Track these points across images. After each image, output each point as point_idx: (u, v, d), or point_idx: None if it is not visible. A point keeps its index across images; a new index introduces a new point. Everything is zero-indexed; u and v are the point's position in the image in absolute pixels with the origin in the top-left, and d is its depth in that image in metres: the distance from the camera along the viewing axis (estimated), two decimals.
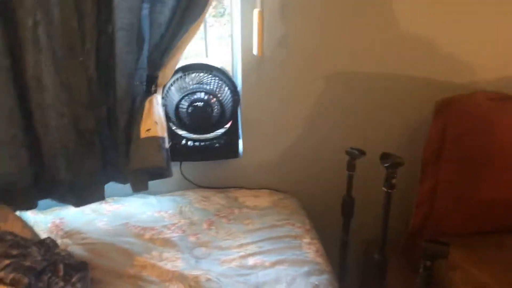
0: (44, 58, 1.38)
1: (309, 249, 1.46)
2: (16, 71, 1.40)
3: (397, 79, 1.74)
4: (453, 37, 1.70)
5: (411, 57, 1.72)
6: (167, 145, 1.55)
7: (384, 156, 1.35)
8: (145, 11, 1.42)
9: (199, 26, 1.46)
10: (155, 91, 1.50)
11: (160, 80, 1.50)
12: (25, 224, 1.39)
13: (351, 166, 1.62)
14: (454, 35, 1.69)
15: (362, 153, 1.57)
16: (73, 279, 1.21)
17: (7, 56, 1.36)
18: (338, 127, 1.80)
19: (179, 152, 1.74)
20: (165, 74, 1.51)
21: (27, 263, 1.14)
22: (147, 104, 1.48)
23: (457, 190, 1.62)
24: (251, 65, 1.68)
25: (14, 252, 1.18)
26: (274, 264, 1.39)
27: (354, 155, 1.58)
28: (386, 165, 1.34)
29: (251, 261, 1.41)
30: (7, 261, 1.12)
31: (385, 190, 1.38)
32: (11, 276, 1.08)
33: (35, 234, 1.40)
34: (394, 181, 1.34)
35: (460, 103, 1.63)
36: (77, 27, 1.36)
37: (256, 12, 1.55)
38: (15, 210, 1.44)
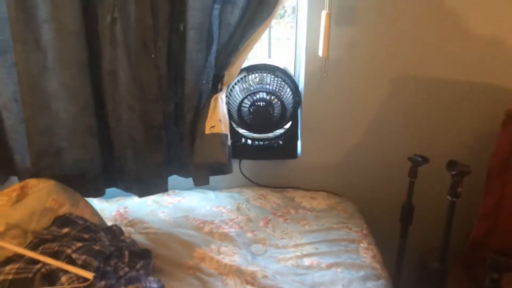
0: (119, 54, 1.45)
1: (366, 254, 1.45)
2: (93, 65, 1.48)
3: (466, 85, 1.69)
4: None
5: (482, 63, 1.66)
6: (229, 142, 1.59)
7: (451, 164, 1.32)
8: (216, 11, 1.46)
9: (267, 27, 1.48)
10: (221, 90, 1.54)
11: (225, 79, 1.54)
12: (93, 211, 1.46)
13: (413, 173, 1.59)
14: None
15: (425, 160, 1.54)
16: (137, 266, 1.27)
17: (86, 50, 1.44)
18: (401, 133, 1.77)
19: (239, 150, 1.78)
20: (231, 74, 1.54)
21: (97, 247, 1.20)
22: (212, 102, 1.52)
23: None
24: (315, 66, 1.68)
25: (86, 236, 1.25)
26: (330, 266, 1.39)
27: (417, 162, 1.55)
28: (452, 173, 1.30)
29: (307, 261, 1.42)
30: (79, 244, 1.19)
31: (450, 198, 1.35)
32: (83, 257, 1.15)
33: (102, 221, 1.47)
34: (459, 190, 1.30)
35: None
36: (151, 25, 1.42)
37: (324, 13, 1.56)
38: (84, 197, 1.52)
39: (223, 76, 1.53)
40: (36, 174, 1.51)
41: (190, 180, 1.68)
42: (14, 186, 1.38)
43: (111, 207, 1.70)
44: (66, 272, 1.11)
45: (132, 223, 1.59)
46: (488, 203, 1.60)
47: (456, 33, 1.63)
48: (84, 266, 1.14)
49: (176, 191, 1.79)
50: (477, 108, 1.72)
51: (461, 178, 1.30)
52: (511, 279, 1.37)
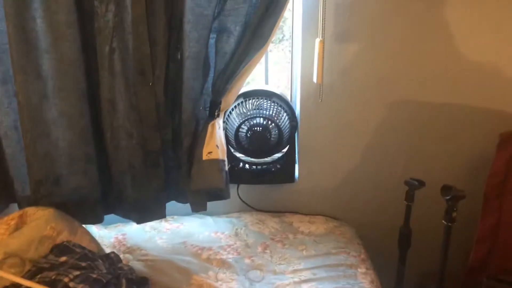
0: (117, 82, 1.48)
1: (364, 279, 1.44)
2: (92, 94, 1.51)
3: (461, 109, 1.71)
4: None
5: (476, 88, 1.69)
6: (226, 167, 1.60)
7: (445, 189, 1.33)
8: (212, 40, 1.50)
9: (262, 55, 1.51)
10: (218, 116, 1.56)
11: (222, 106, 1.57)
12: (92, 238, 1.47)
13: (409, 197, 1.60)
14: None
15: (421, 184, 1.55)
16: None
17: (85, 79, 1.48)
18: (397, 157, 1.78)
19: (236, 174, 1.79)
20: (228, 100, 1.57)
21: (94, 276, 1.20)
22: (209, 128, 1.54)
23: None
24: (310, 92, 1.71)
25: (83, 264, 1.25)
26: None
27: (414, 186, 1.56)
28: (447, 198, 1.31)
29: (305, 287, 1.41)
30: (76, 272, 1.19)
31: (445, 223, 1.35)
32: (80, 286, 1.15)
33: (100, 248, 1.48)
34: (454, 214, 1.31)
35: None
36: (148, 54, 1.45)
37: (317, 41, 1.59)
38: (83, 224, 1.53)
39: (220, 102, 1.56)
40: (36, 202, 1.52)
41: (188, 206, 1.69)
42: (13, 214, 1.39)
43: (110, 234, 1.70)
44: None
45: (130, 250, 1.60)
46: (485, 226, 1.60)
47: (450, 58, 1.66)
48: None
49: (175, 216, 1.80)
50: (472, 132, 1.74)
51: (455, 203, 1.31)
52: None
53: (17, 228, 1.34)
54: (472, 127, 1.73)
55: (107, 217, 1.69)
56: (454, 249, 1.52)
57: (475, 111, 1.71)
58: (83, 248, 1.34)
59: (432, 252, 1.68)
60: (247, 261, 1.55)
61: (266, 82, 1.97)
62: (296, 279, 1.45)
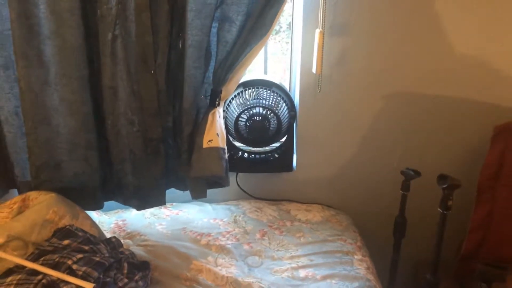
0: (119, 70, 1.49)
1: (360, 266, 1.48)
2: (93, 81, 1.52)
3: (456, 102, 1.74)
4: None
5: (472, 81, 1.71)
6: (226, 156, 1.62)
7: (442, 178, 1.36)
8: (214, 29, 1.51)
9: (263, 45, 1.53)
10: (218, 104, 1.58)
11: (223, 94, 1.58)
12: (93, 223, 1.49)
13: (405, 186, 1.63)
14: None
15: (417, 174, 1.58)
16: (136, 277, 1.29)
17: (87, 66, 1.49)
18: (393, 147, 1.81)
19: (235, 163, 1.81)
20: (228, 89, 1.59)
21: (97, 259, 1.23)
22: (210, 116, 1.56)
23: None
24: (309, 82, 1.73)
25: (86, 247, 1.28)
26: (325, 277, 1.41)
27: (410, 176, 1.59)
28: (443, 186, 1.34)
29: (302, 273, 1.44)
30: (79, 255, 1.22)
31: (441, 211, 1.39)
32: (83, 269, 1.17)
33: (101, 233, 1.50)
34: (450, 203, 1.35)
35: None
36: (151, 42, 1.46)
37: (317, 32, 1.61)
38: (83, 210, 1.55)
39: (220, 91, 1.57)
40: (36, 187, 1.54)
41: (187, 193, 1.71)
42: (15, 198, 1.41)
43: (109, 220, 1.72)
44: (67, 283, 1.13)
45: (130, 236, 1.62)
46: (478, 216, 1.64)
47: (447, 52, 1.68)
48: (84, 277, 1.16)
49: (174, 203, 1.82)
50: (467, 124, 1.77)
51: (451, 192, 1.34)
52: None
53: (20, 211, 1.36)
54: (467, 119, 1.76)
55: (107, 203, 1.71)
56: (448, 238, 1.55)
57: (470, 103, 1.74)
58: (85, 232, 1.37)
59: (426, 241, 1.71)
60: (245, 247, 1.57)
61: (265, 72, 1.99)
62: (293, 265, 1.48)
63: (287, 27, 1.98)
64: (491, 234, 1.62)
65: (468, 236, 1.66)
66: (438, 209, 1.39)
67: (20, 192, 1.63)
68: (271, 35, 2.00)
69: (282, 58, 2.06)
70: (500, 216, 1.61)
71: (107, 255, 1.30)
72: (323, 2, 1.57)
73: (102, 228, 1.59)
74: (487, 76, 1.70)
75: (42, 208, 1.34)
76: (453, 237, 1.70)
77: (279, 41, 2.09)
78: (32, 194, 1.41)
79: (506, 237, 1.61)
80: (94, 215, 1.70)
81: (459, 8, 1.63)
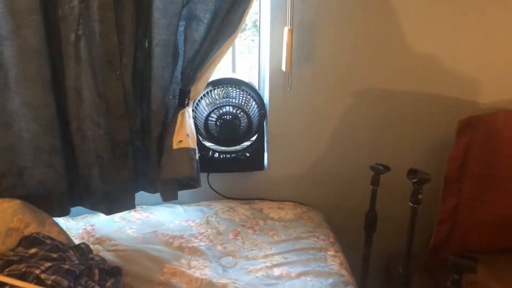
0: (84, 71, 1.44)
1: (333, 262, 1.49)
2: (57, 83, 1.47)
3: (423, 97, 1.78)
4: (477, 59, 1.74)
5: (436, 76, 1.76)
6: (197, 156, 1.60)
7: (412, 172, 1.38)
8: (181, 28, 1.48)
9: (232, 43, 1.51)
10: (188, 104, 1.56)
11: (192, 94, 1.56)
12: (61, 229, 1.44)
13: (375, 182, 1.65)
14: (478, 57, 1.74)
15: (387, 168, 1.60)
16: (108, 284, 1.25)
17: (49, 68, 1.43)
18: (363, 143, 1.84)
19: (206, 163, 1.79)
20: (197, 89, 1.57)
21: (66, 266, 1.19)
22: (179, 116, 1.54)
23: (480, 207, 1.64)
24: (279, 80, 1.73)
25: (54, 255, 1.23)
26: (299, 275, 1.42)
27: (379, 171, 1.62)
28: (413, 180, 1.37)
29: (277, 271, 1.44)
30: (48, 264, 1.17)
31: (411, 205, 1.41)
32: (52, 277, 1.13)
33: (69, 239, 1.45)
34: (420, 196, 1.37)
35: (483, 122, 1.66)
36: (116, 42, 1.42)
37: (286, 29, 1.61)
38: (50, 216, 1.49)
39: (189, 91, 1.55)
40: None
41: (157, 195, 1.68)
42: None
43: (77, 225, 1.67)
44: None
45: (99, 241, 1.58)
46: (445, 208, 1.68)
47: (412, 49, 1.71)
48: (54, 286, 1.12)
49: (144, 206, 1.79)
50: (433, 118, 1.81)
51: (421, 185, 1.37)
52: (470, 279, 1.45)
53: None
54: (433, 113, 1.80)
55: (74, 208, 1.66)
56: (417, 231, 1.59)
57: (436, 99, 1.78)
58: (53, 239, 1.32)
59: (396, 234, 1.75)
60: (219, 248, 1.56)
61: (233, 71, 1.98)
62: (268, 264, 1.47)
63: (253, 25, 1.97)
64: (458, 225, 1.67)
65: (436, 228, 1.70)
66: (409, 203, 1.42)
67: None
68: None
69: (248, 56, 2.05)
70: (466, 207, 1.66)
71: (76, 262, 1.25)
72: (291, 0, 1.58)
73: (70, 234, 1.54)
74: (450, 72, 1.75)
75: (6, 216, 1.29)
76: (422, 230, 1.73)
77: (245, 39, 2.08)
78: None
79: (473, 227, 1.66)
80: (61, 221, 1.64)
81: (423, 6, 1.67)
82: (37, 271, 1.14)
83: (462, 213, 1.66)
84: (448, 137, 1.71)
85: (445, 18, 1.68)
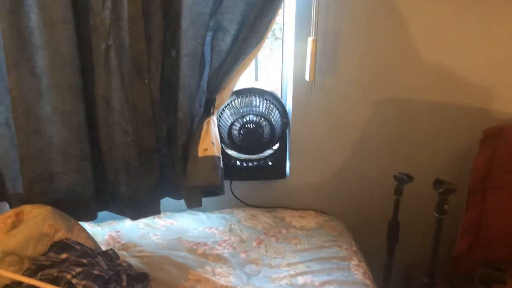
0: (113, 79, 1.47)
1: (357, 271, 1.49)
2: (86, 91, 1.50)
3: (446, 107, 1.77)
4: (497, 69, 1.73)
5: (460, 86, 1.75)
6: (221, 164, 1.62)
7: (437, 182, 1.38)
8: (208, 38, 1.51)
9: (257, 53, 1.54)
10: (213, 113, 1.58)
11: (217, 103, 1.58)
12: (88, 235, 1.47)
13: (398, 191, 1.65)
14: (498, 67, 1.73)
15: (410, 178, 1.60)
16: None
17: (80, 76, 1.46)
18: (386, 152, 1.84)
19: (229, 171, 1.81)
20: (222, 97, 1.59)
21: (96, 272, 1.21)
22: (205, 125, 1.56)
23: (504, 218, 1.63)
24: (302, 90, 1.74)
25: (84, 261, 1.26)
26: (323, 284, 1.42)
27: (402, 180, 1.62)
28: (439, 191, 1.37)
29: (300, 280, 1.45)
30: (78, 269, 1.20)
31: (437, 215, 1.41)
32: (83, 283, 1.16)
33: (97, 245, 1.48)
34: (446, 207, 1.37)
35: (507, 132, 1.65)
36: (145, 51, 1.45)
37: (310, 40, 1.62)
38: (78, 222, 1.52)
39: (214, 100, 1.57)
40: (29, 199, 1.51)
41: (180, 202, 1.70)
42: (9, 212, 1.37)
43: (103, 231, 1.70)
44: None
45: (125, 247, 1.60)
46: (469, 219, 1.68)
47: (436, 58, 1.72)
48: None
49: (168, 213, 1.81)
50: (457, 128, 1.80)
51: (447, 196, 1.37)
52: None
53: (14, 226, 1.33)
54: (457, 123, 1.80)
55: (100, 214, 1.69)
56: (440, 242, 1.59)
57: (459, 108, 1.78)
58: (82, 245, 1.35)
59: (419, 244, 1.75)
60: (242, 255, 1.57)
61: (256, 79, 2.00)
62: (291, 272, 1.48)
63: (271, 34, 1.99)
64: (481, 236, 1.66)
65: (459, 238, 1.69)
66: (434, 213, 1.42)
67: (11, 205, 1.59)
68: None
69: (268, 65, 2.06)
70: (490, 217, 1.65)
71: (105, 267, 1.28)
72: (316, 11, 1.59)
73: (96, 240, 1.57)
74: (474, 81, 1.74)
75: (37, 222, 1.32)
76: (444, 239, 1.73)
77: (263, 48, 2.10)
78: (26, 208, 1.38)
79: (496, 238, 1.65)
80: (87, 226, 1.67)
81: (446, 18, 1.67)
82: (69, 276, 1.16)
83: (485, 223, 1.65)
84: (472, 147, 1.70)
85: (467, 30, 1.68)
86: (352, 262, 1.53)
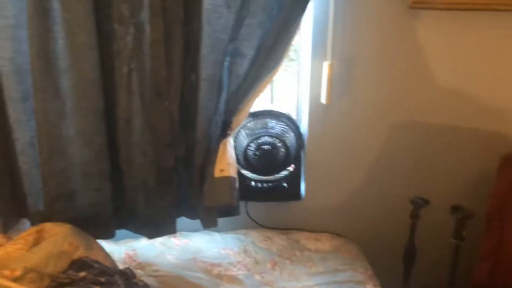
0: (134, 102, 1.52)
1: None
2: (109, 112, 1.55)
3: (462, 131, 1.77)
4: None
5: (476, 110, 1.76)
6: (237, 185, 1.64)
7: (455, 208, 1.38)
8: (226, 63, 1.55)
9: (274, 76, 1.57)
10: (229, 135, 1.61)
11: (234, 125, 1.62)
12: (106, 254, 1.49)
13: (415, 215, 1.65)
14: None
15: (426, 202, 1.60)
16: None
17: (103, 98, 1.52)
18: (401, 176, 1.84)
19: (244, 192, 1.83)
20: (239, 119, 1.62)
21: None
22: (221, 146, 1.59)
23: None
24: (318, 112, 1.76)
25: (102, 279, 1.28)
26: None
27: (419, 204, 1.61)
28: (457, 217, 1.36)
29: None
30: (97, 287, 1.22)
31: (454, 241, 1.40)
32: None
33: (114, 264, 1.50)
34: (463, 233, 1.36)
35: None
36: (165, 75, 1.50)
37: (326, 64, 1.65)
38: (96, 240, 1.55)
39: (231, 121, 1.61)
40: (50, 217, 1.54)
41: (195, 222, 1.72)
42: (30, 230, 1.41)
43: (120, 249, 1.72)
44: None
45: (141, 266, 1.62)
46: (488, 245, 1.65)
47: (452, 82, 1.73)
48: None
49: (183, 232, 1.82)
50: (474, 152, 1.80)
51: (465, 222, 1.36)
52: None
53: (35, 243, 1.36)
54: (474, 148, 1.79)
55: (116, 233, 1.72)
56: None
57: (476, 132, 1.78)
58: (100, 263, 1.37)
59: (435, 269, 1.73)
60: (257, 277, 1.58)
61: (272, 101, 2.03)
62: None
63: (290, 58, 2.02)
64: (501, 263, 1.63)
65: (478, 264, 1.67)
66: (452, 239, 1.41)
67: (32, 222, 1.64)
68: None
69: (282, 86, 2.09)
70: (510, 245, 1.62)
71: (122, 286, 1.30)
72: (332, 35, 1.63)
73: (113, 258, 1.59)
74: (490, 105, 1.74)
75: (58, 240, 1.35)
76: (461, 264, 1.71)
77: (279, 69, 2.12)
78: (47, 226, 1.42)
79: None
80: (104, 244, 1.69)
81: (462, 41, 1.68)
82: None
83: (505, 250, 1.62)
84: (489, 172, 1.69)
85: (483, 53, 1.70)
86: (368, 286, 1.53)
